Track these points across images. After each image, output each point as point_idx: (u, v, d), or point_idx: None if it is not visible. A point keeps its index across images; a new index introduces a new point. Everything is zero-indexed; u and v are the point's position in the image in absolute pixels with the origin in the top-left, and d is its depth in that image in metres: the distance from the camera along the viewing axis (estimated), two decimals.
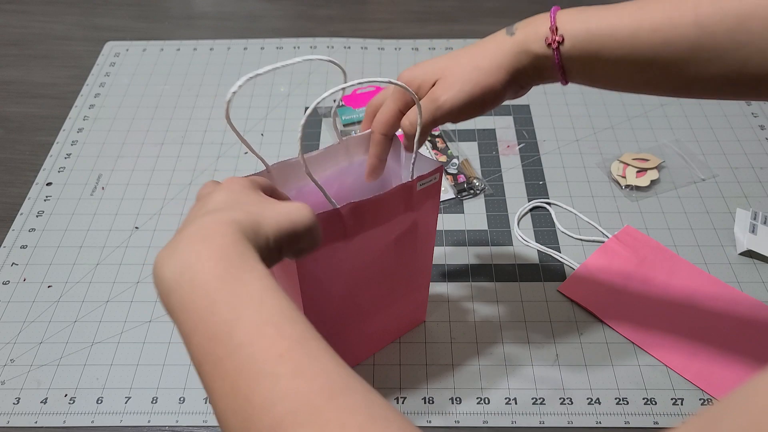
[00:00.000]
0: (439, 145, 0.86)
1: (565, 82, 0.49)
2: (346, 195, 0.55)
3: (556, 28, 0.47)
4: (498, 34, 0.50)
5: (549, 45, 0.47)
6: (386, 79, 0.46)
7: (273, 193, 0.45)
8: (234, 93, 0.42)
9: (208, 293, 0.34)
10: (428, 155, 0.84)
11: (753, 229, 0.74)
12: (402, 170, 0.56)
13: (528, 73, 0.50)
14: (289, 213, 0.39)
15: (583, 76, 0.49)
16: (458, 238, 0.76)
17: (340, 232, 0.50)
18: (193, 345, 0.34)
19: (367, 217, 0.50)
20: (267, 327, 0.33)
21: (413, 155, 0.52)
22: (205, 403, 0.62)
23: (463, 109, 0.50)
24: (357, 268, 0.54)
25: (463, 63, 0.50)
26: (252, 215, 0.38)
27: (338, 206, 0.48)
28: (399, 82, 0.47)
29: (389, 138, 0.53)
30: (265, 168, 0.49)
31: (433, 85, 0.51)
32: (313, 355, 0.32)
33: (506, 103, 0.92)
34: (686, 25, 0.43)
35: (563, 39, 0.47)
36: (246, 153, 0.87)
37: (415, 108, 0.50)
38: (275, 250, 0.38)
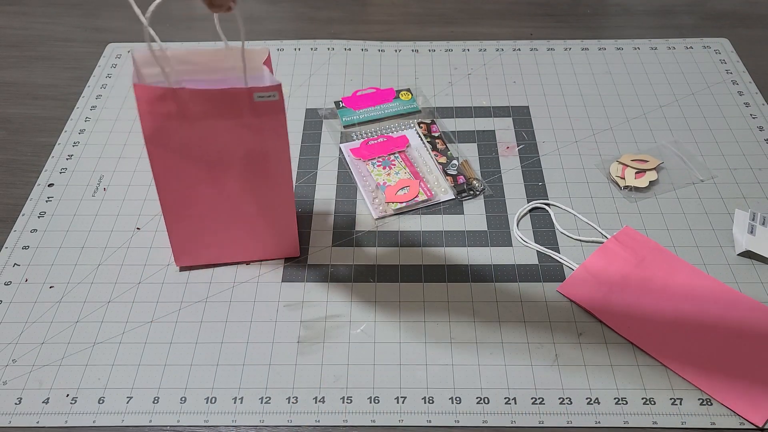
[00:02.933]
0: (439, 146, 0.87)
1: None
2: None
3: None
4: None
5: None
6: None
7: None
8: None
9: None
10: (422, 148, 0.85)
11: (751, 230, 0.74)
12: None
13: None
14: None
15: None
16: (458, 239, 0.76)
17: (180, 112, 0.59)
18: None
19: (203, 106, 0.59)
20: None
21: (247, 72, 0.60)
22: (206, 402, 0.63)
23: None
24: (204, 160, 0.63)
25: None
26: None
27: (175, 87, 0.58)
28: None
29: None
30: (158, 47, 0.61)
31: None
32: None
33: (506, 104, 0.94)
34: None
35: None
36: None
37: None
38: None
